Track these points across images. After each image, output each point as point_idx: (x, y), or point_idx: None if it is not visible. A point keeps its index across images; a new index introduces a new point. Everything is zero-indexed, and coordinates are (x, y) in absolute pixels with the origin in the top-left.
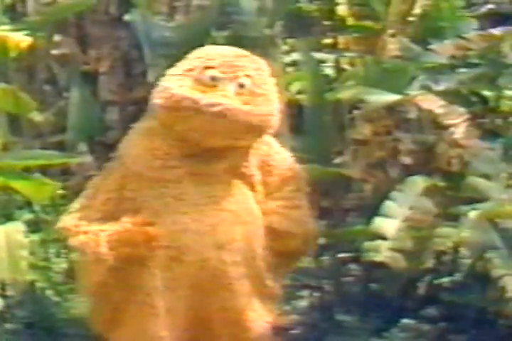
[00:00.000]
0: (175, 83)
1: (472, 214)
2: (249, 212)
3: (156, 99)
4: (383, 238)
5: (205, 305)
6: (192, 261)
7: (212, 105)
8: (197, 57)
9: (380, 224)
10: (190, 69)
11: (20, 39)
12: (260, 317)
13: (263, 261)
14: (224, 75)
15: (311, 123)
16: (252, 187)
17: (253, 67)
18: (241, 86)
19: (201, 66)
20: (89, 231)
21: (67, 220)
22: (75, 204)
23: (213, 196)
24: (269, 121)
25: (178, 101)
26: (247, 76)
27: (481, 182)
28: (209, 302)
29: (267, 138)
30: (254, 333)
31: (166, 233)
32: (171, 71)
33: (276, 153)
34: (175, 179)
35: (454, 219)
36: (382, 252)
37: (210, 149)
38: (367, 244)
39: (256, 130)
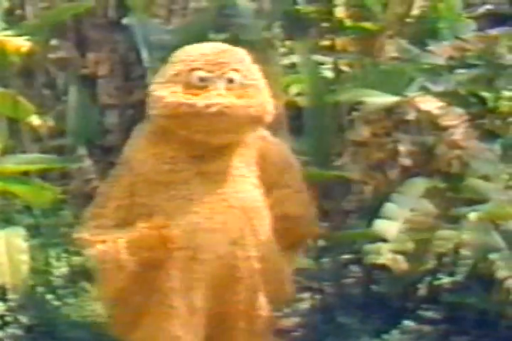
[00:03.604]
0: (166, 91)
1: (472, 216)
2: (255, 208)
3: (153, 109)
4: (384, 240)
5: (221, 300)
6: (208, 259)
7: (209, 106)
8: (180, 60)
9: (381, 226)
10: (177, 74)
11: (20, 44)
12: (269, 312)
13: (279, 255)
14: (211, 74)
15: (310, 126)
16: (253, 183)
17: (237, 59)
18: (230, 81)
19: (186, 69)
20: (107, 239)
21: (82, 230)
22: (87, 214)
23: (221, 193)
24: (265, 109)
25: (175, 109)
26: (234, 70)
27: (480, 184)
28: (224, 298)
29: (261, 132)
30: (265, 327)
31: (181, 234)
32: (157, 79)
33: (272, 145)
34: (183, 181)
35: (455, 220)
36: (384, 254)
37: (214, 148)
38: (368, 247)
39: (256, 120)
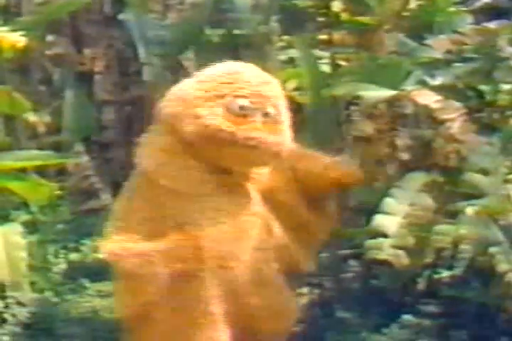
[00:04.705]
0: (206, 111)
1: (470, 211)
2: (268, 213)
3: (187, 125)
4: (384, 235)
5: (247, 304)
6: (235, 267)
7: (248, 138)
8: (226, 82)
9: (380, 221)
10: (220, 96)
11: (15, 40)
12: (294, 308)
13: (291, 253)
14: (254, 105)
15: (310, 121)
16: (259, 182)
17: (276, 94)
18: (266, 114)
19: (232, 94)
20: (141, 252)
21: (110, 245)
22: (110, 228)
23: (241, 203)
24: (287, 145)
25: (213, 133)
26: (272, 105)
27: (478, 178)
28: (252, 302)
29: None
30: (292, 322)
31: (212, 244)
32: (196, 92)
33: None
34: (210, 192)
35: (453, 214)
36: (385, 250)
37: None
38: (369, 242)
39: (278, 157)
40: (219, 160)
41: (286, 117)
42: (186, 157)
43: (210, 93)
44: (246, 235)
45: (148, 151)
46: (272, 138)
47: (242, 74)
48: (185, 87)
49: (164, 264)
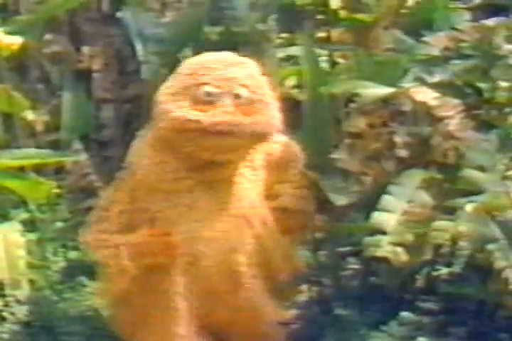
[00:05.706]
0: (174, 104)
1: (469, 207)
2: (257, 215)
3: (159, 121)
4: (383, 232)
5: (220, 306)
6: (207, 266)
7: (216, 124)
8: (188, 73)
9: (379, 218)
10: (185, 88)
11: (11, 42)
12: (273, 312)
13: (275, 260)
14: (219, 90)
15: (309, 118)
16: (256, 189)
17: (246, 74)
18: (237, 96)
19: (195, 83)
20: (111, 245)
21: (87, 234)
22: (93, 217)
23: (224, 202)
24: (271, 125)
25: (182, 124)
26: (242, 85)
27: (476, 175)
28: (225, 304)
29: None
30: (269, 328)
31: (182, 241)
32: (165, 89)
33: (277, 143)
34: (186, 189)
35: (451, 211)
36: (383, 247)
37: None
38: (367, 239)
39: (261, 137)
40: (198, 153)
41: (267, 96)
42: (165, 153)
43: (176, 87)
44: (223, 236)
45: (137, 144)
46: (247, 119)
47: (206, 63)
48: (163, 87)
49: (131, 258)
